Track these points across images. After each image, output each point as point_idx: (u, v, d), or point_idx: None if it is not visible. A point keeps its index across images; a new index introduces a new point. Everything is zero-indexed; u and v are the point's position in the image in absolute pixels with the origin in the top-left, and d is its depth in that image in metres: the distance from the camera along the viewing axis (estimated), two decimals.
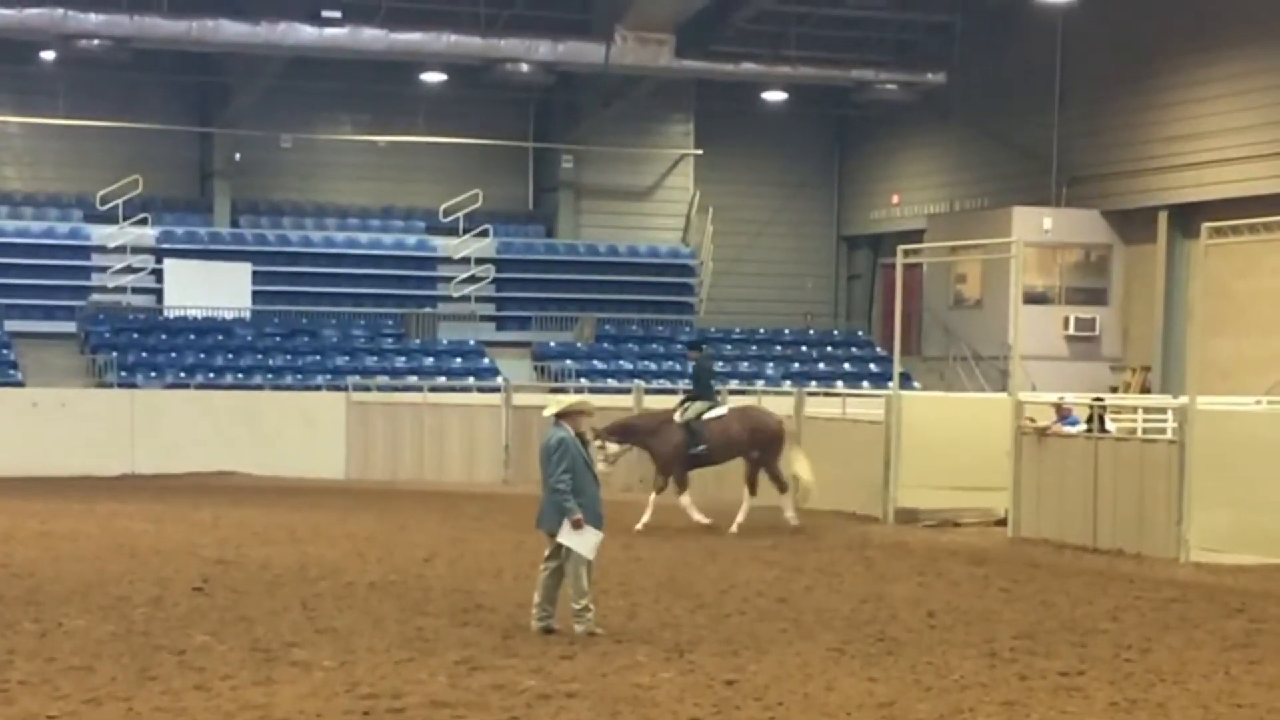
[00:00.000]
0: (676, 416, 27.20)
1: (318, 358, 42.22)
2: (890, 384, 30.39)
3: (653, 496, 26.97)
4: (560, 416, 16.73)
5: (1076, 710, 13.25)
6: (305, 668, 14.56)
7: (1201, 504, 22.85)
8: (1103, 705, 13.45)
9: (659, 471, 27.21)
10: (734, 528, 26.15)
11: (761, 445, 27.12)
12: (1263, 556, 22.22)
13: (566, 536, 16.30)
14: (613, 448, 26.90)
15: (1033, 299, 41.22)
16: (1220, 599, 19.49)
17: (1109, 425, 26.21)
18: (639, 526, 25.93)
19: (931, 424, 28.42)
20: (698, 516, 26.53)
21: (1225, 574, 21.61)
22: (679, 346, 45.91)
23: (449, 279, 46.20)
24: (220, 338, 42.69)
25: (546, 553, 16.65)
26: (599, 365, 44.00)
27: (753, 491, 26.92)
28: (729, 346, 46.55)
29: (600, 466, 26.46)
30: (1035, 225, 42.20)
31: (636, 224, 49.37)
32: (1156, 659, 15.52)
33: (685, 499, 26.90)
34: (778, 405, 32.14)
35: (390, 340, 44.14)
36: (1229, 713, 13.25)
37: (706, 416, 27.13)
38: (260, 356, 41.97)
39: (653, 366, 44.07)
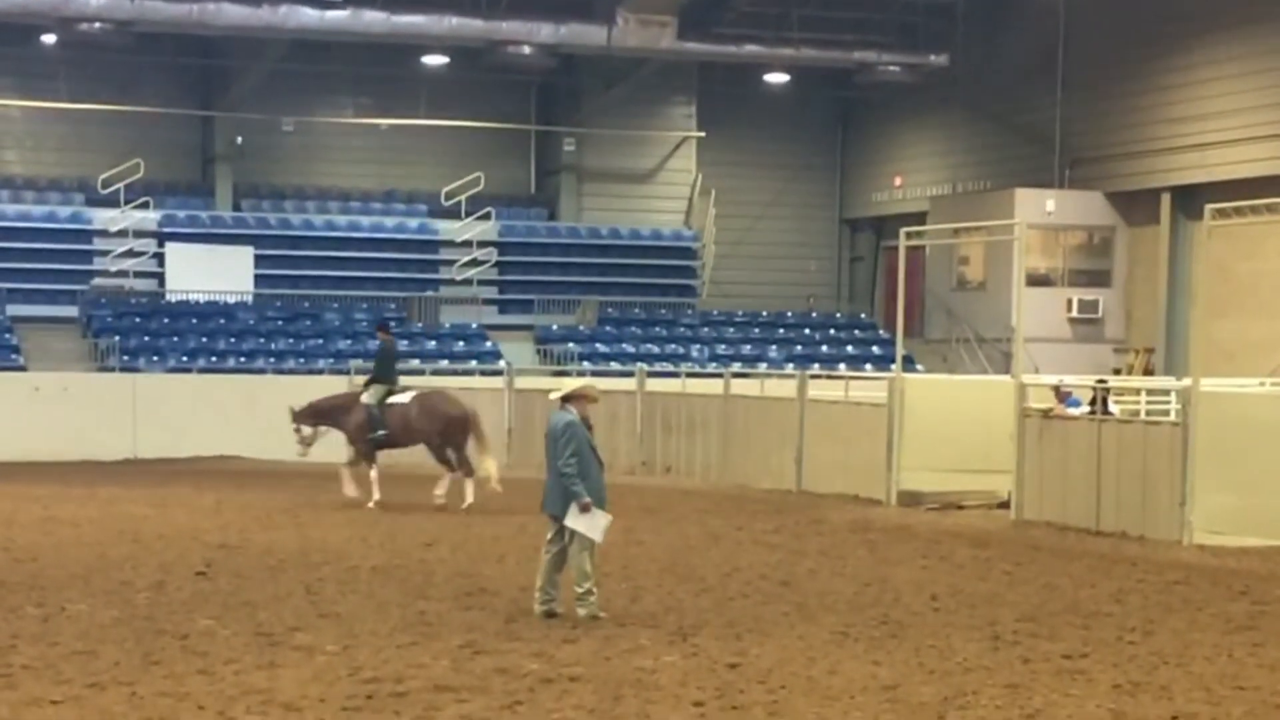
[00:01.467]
0: (364, 398, 27.79)
1: (320, 341, 42.20)
2: (893, 366, 30.38)
3: (346, 471, 27.65)
4: (566, 400, 16.71)
5: (1080, 693, 13.24)
6: (308, 652, 14.56)
7: (1205, 486, 22.83)
8: (1106, 687, 13.44)
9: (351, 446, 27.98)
10: (464, 505, 26.65)
11: (443, 433, 27.45)
12: (1266, 539, 22.21)
13: (574, 520, 16.28)
14: (307, 430, 28.01)
15: (1036, 281, 41.19)
16: (1223, 581, 19.49)
17: (1112, 407, 26.17)
18: (375, 499, 26.94)
19: (934, 407, 28.40)
20: (374, 494, 27.11)
21: (1228, 556, 21.60)
22: (681, 330, 45.94)
23: (451, 262, 46.18)
24: (222, 322, 42.67)
25: (549, 536, 16.63)
26: (601, 348, 43.98)
27: (452, 469, 27.35)
28: (731, 329, 46.53)
29: (297, 449, 27.21)
30: (1038, 207, 42.19)
31: (639, 207, 49.34)
32: (1160, 641, 15.51)
33: (372, 472, 27.41)
34: (781, 388, 32.19)
35: (393, 324, 44.00)
36: (1232, 695, 13.23)
37: (389, 402, 27.66)
38: (262, 340, 41.96)
39: (655, 350, 44.04)
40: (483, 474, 26.98)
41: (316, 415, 28.19)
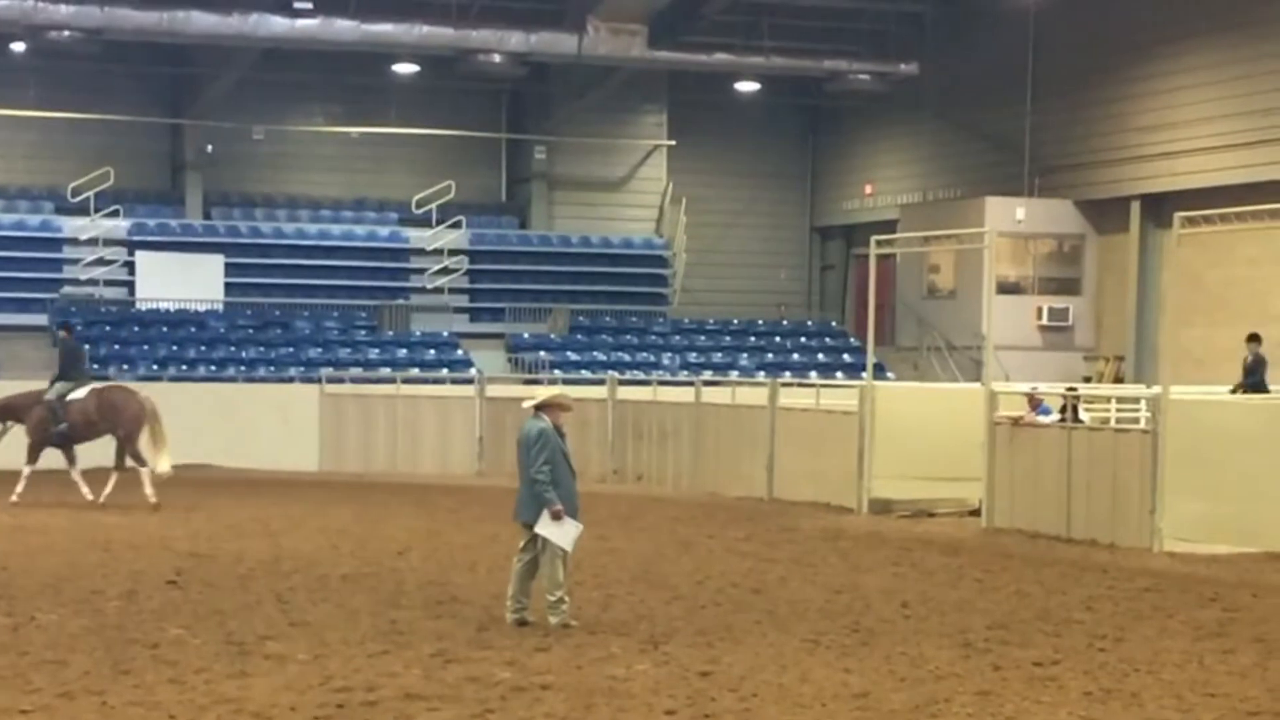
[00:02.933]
0: (46, 395, 28.35)
1: (291, 350, 42.12)
2: (864, 374, 30.40)
3: (26, 469, 28.16)
4: (539, 408, 16.72)
5: (1051, 700, 13.26)
6: (279, 661, 14.53)
7: (1175, 493, 22.89)
8: (1077, 695, 13.46)
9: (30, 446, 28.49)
10: (100, 498, 27.59)
11: (116, 425, 28.05)
12: (1236, 546, 22.27)
13: (545, 527, 16.27)
14: None
15: (1006, 289, 41.31)
16: (1194, 589, 19.53)
17: (1083, 415, 26.23)
18: (13, 498, 27.47)
19: (905, 414, 28.42)
20: (19, 489, 27.72)
21: (1199, 563, 21.66)
22: (652, 338, 45.94)
23: (422, 270, 46.12)
24: (193, 330, 42.56)
25: (521, 544, 16.62)
26: (573, 356, 43.95)
27: (120, 466, 28.16)
28: (702, 338, 46.55)
29: None
30: (1008, 215, 42.30)
31: (610, 215, 49.34)
32: (1130, 649, 15.55)
33: (27, 469, 28.07)
34: (752, 396, 32.19)
35: (363, 332, 44.06)
36: (1202, 702, 13.27)
37: (69, 398, 28.19)
38: (233, 349, 41.85)
39: (626, 358, 44.03)
40: (159, 469, 27.74)
41: (3, 411, 28.91)
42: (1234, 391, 28.84)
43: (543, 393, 17.14)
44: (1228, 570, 21.05)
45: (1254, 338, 29.72)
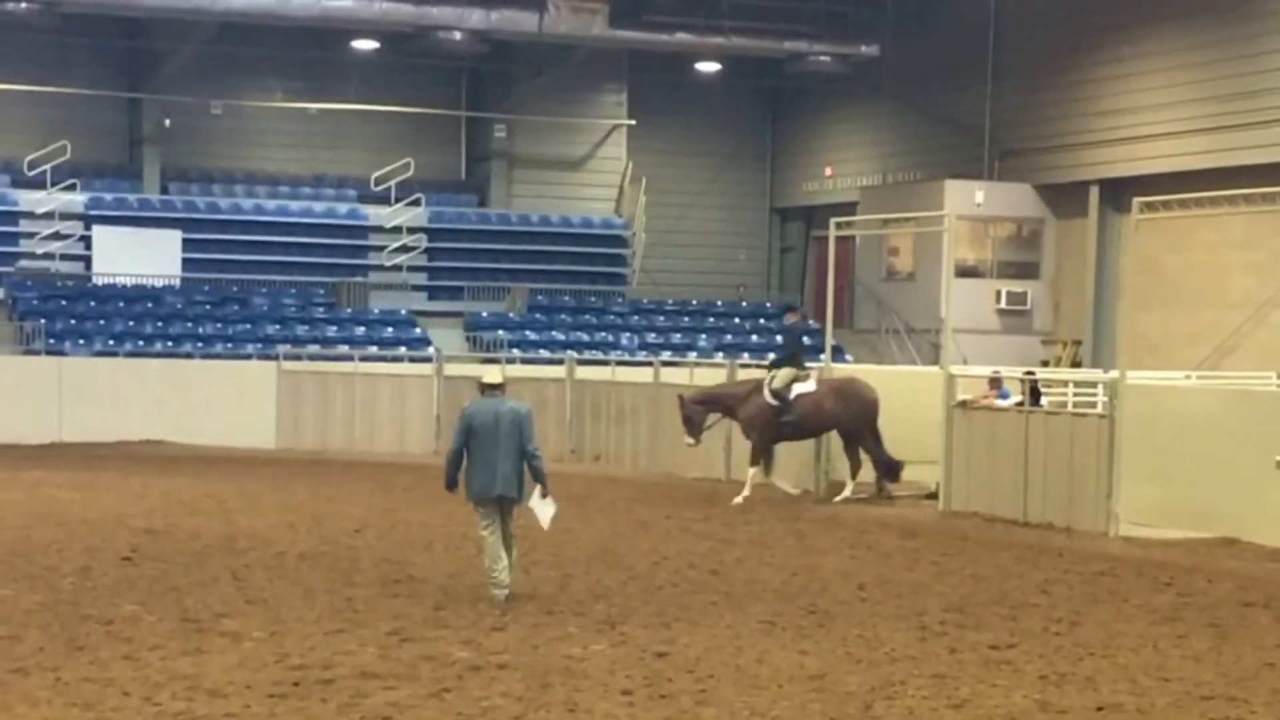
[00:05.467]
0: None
1: (248, 326, 41.96)
2: (822, 357, 30.40)
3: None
4: (494, 388, 16.77)
5: (1006, 683, 13.30)
6: (234, 638, 14.49)
7: (1131, 478, 22.98)
8: (1032, 678, 13.51)
9: None
10: None
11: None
12: (1191, 531, 22.34)
13: (536, 503, 16.50)
14: None
15: (964, 272, 41.33)
16: (1149, 573, 19.61)
17: (1043, 400, 26.28)
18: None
19: None
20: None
21: (1154, 548, 21.74)
22: (610, 318, 45.89)
23: (380, 248, 46.01)
24: (150, 305, 42.36)
25: (487, 521, 16.58)
26: (531, 336, 43.89)
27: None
28: (661, 318, 46.53)
29: None
30: (967, 198, 42.34)
31: (569, 194, 49.27)
32: (1085, 632, 15.60)
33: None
34: (710, 377, 32.18)
35: (321, 309, 43.91)
36: (1157, 686, 13.32)
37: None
38: (190, 325, 41.67)
39: (585, 337, 43.99)
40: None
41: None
42: None
43: (495, 373, 17.18)
44: (1183, 555, 21.13)
45: None
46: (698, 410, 27.52)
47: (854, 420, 27.18)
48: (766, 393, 27.17)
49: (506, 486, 16.53)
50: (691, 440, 27.63)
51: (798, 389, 27.15)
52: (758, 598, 17.23)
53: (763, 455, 27.36)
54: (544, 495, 16.58)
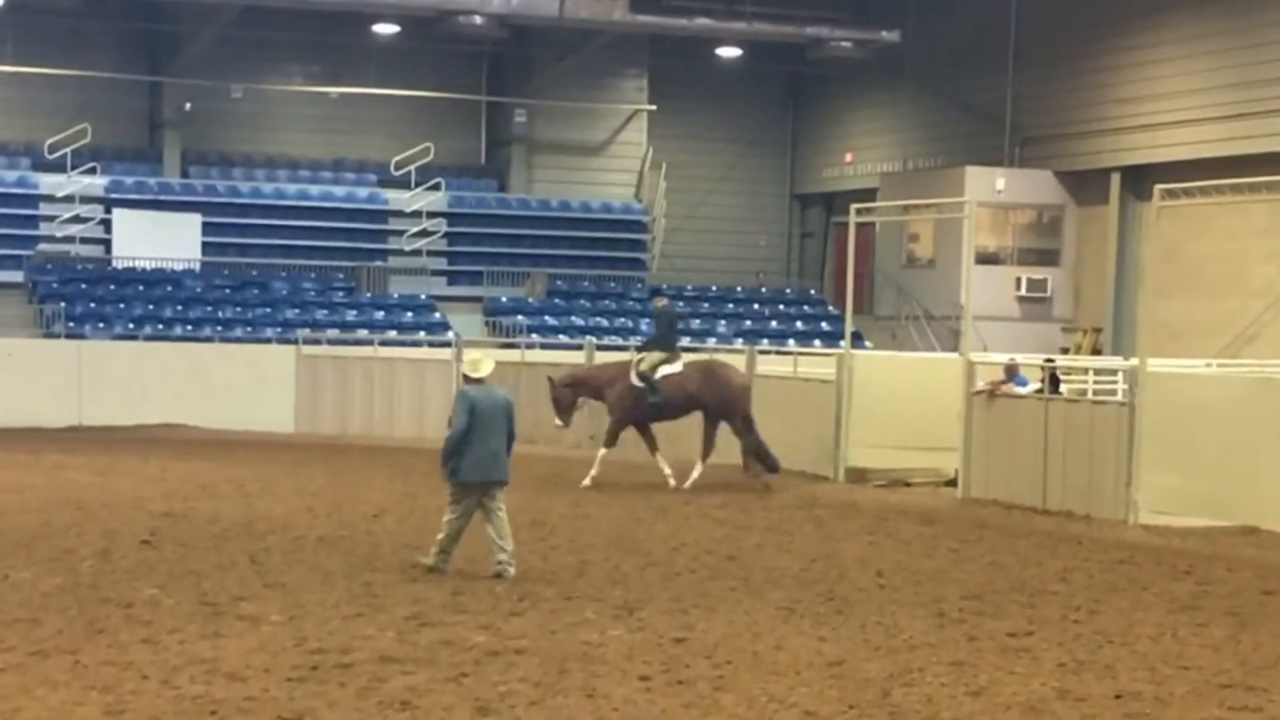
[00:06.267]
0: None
1: (267, 310, 42.00)
2: (842, 343, 30.36)
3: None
4: (478, 378, 17.36)
5: (1024, 671, 13.27)
6: (253, 622, 14.50)
7: (1150, 466, 22.92)
8: (1051, 666, 13.48)
9: None
10: None
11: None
12: (1210, 519, 22.31)
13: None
14: None
15: (985, 259, 41.27)
16: (1168, 561, 19.57)
17: (1062, 388, 26.21)
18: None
19: (883, 384, 28.42)
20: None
21: (1173, 536, 21.69)
22: (630, 303, 45.88)
23: (400, 232, 46.02)
24: (169, 289, 42.42)
25: (460, 505, 17.12)
26: (550, 321, 43.90)
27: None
28: (681, 303, 46.50)
29: None
30: (988, 185, 42.27)
31: (589, 179, 49.23)
32: (1104, 620, 15.57)
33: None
34: (730, 362, 32.12)
35: (341, 294, 43.96)
36: (1176, 674, 13.29)
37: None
38: (209, 308, 41.73)
39: (604, 323, 43.98)
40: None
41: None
42: None
43: (487, 364, 17.49)
44: (1202, 543, 21.08)
45: None
46: (566, 393, 27.58)
47: (718, 403, 27.13)
48: (633, 375, 27.28)
49: (501, 470, 17.15)
50: (560, 422, 27.74)
51: (664, 370, 27.24)
52: (776, 584, 17.21)
53: (616, 436, 27.32)
54: None
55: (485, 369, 17.44)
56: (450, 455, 17.07)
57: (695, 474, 26.77)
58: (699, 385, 27.13)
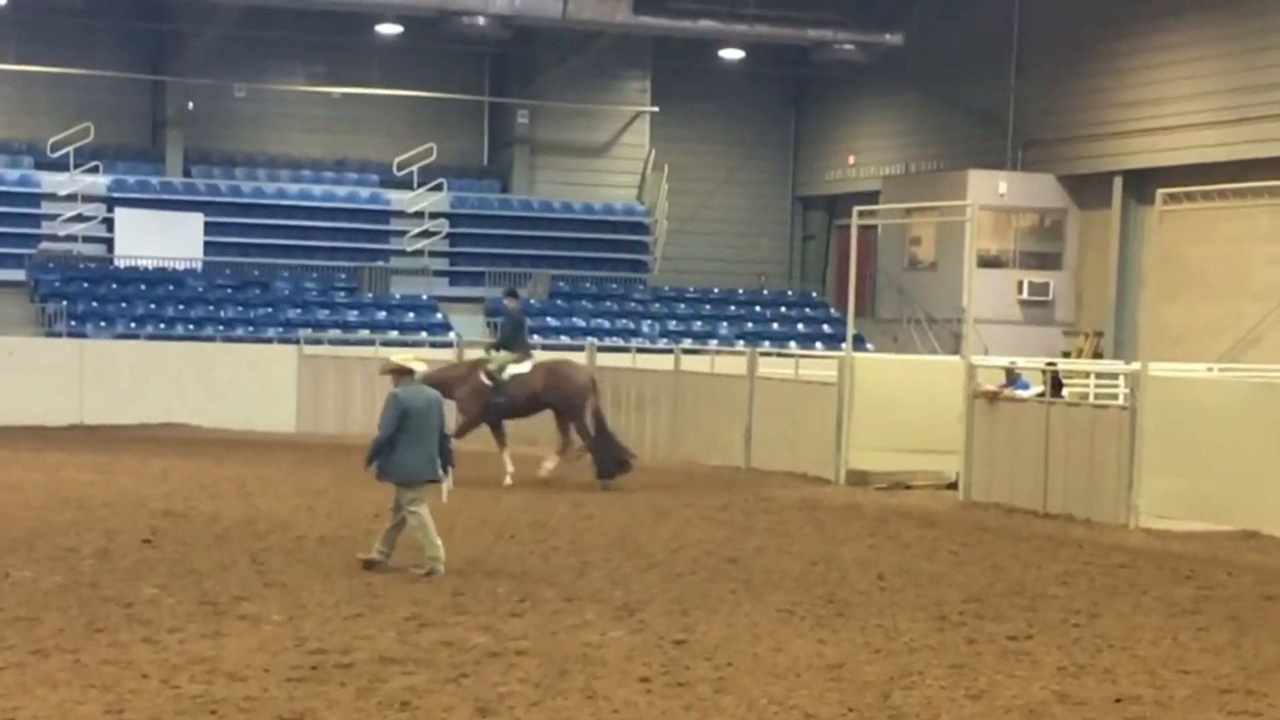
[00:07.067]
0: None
1: (269, 310, 42.01)
2: (843, 345, 30.36)
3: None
4: (403, 373, 17.79)
5: (1024, 674, 13.27)
6: (253, 621, 14.50)
7: (1152, 470, 22.92)
8: (1051, 669, 13.48)
9: None
10: None
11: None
12: (1211, 523, 22.32)
13: (448, 480, 17.86)
14: None
15: (986, 262, 41.25)
16: (1169, 565, 19.57)
17: (1064, 392, 26.21)
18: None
19: (884, 386, 28.41)
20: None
21: (1174, 540, 21.70)
22: (632, 305, 45.88)
23: (402, 233, 46.02)
24: (171, 288, 42.43)
25: (417, 500, 17.53)
26: (552, 322, 43.89)
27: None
28: (683, 306, 46.50)
29: None
30: (990, 188, 42.26)
31: (591, 180, 49.24)
32: (1105, 624, 15.57)
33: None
34: (731, 365, 32.16)
35: (343, 294, 43.97)
36: (1176, 679, 13.29)
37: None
38: (211, 308, 41.73)
39: (606, 324, 43.98)
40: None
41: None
42: None
43: (417, 361, 17.82)
44: (1203, 547, 21.08)
45: None
46: None
47: (562, 401, 27.41)
48: (482, 374, 27.54)
49: (433, 469, 17.63)
50: None
51: (513, 370, 27.50)
52: (776, 586, 17.21)
53: (465, 433, 27.42)
54: (447, 472, 17.84)
55: (416, 365, 17.93)
56: (375, 456, 17.63)
57: (548, 465, 27.14)
58: (543, 384, 27.50)
